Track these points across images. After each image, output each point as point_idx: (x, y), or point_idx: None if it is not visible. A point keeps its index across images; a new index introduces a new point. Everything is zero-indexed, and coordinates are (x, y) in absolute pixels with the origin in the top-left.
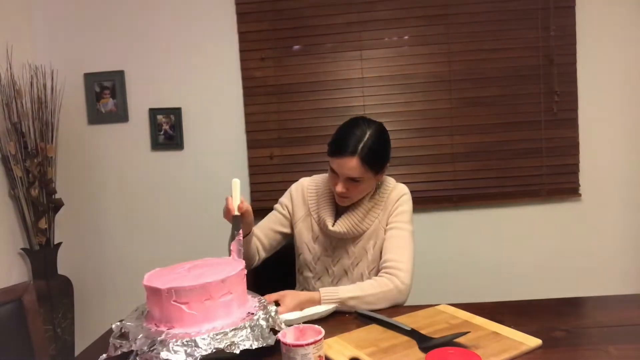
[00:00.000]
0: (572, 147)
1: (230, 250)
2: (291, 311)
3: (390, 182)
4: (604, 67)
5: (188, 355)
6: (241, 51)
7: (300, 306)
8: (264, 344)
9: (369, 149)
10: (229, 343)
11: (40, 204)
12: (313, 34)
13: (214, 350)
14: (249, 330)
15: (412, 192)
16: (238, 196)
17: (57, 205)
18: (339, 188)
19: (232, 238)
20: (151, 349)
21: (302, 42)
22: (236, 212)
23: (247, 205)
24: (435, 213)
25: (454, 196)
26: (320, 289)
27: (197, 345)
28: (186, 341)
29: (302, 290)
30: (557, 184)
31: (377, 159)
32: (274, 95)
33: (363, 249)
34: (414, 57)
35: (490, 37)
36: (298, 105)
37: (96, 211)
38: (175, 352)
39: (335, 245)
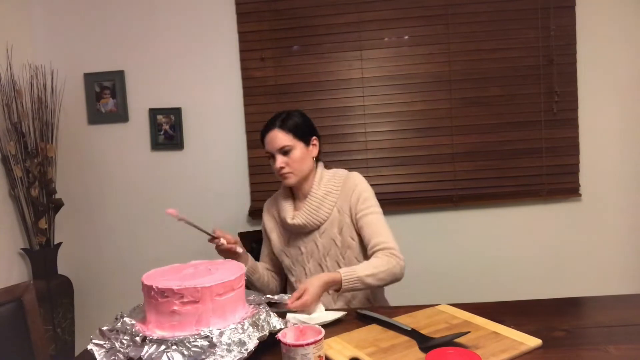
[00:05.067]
0: (572, 147)
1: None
2: (314, 302)
3: (342, 172)
4: (604, 67)
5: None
6: (241, 51)
7: (325, 288)
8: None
9: (290, 120)
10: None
11: (40, 204)
12: (313, 34)
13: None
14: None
15: (412, 192)
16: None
17: (57, 205)
18: (278, 163)
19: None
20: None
21: (302, 42)
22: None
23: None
24: (435, 213)
25: (454, 196)
26: (339, 270)
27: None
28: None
29: (290, 291)
30: (557, 184)
31: (299, 127)
32: (274, 95)
33: (330, 238)
34: (414, 57)
35: (490, 37)
36: (298, 105)
37: (96, 211)
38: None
39: (305, 241)
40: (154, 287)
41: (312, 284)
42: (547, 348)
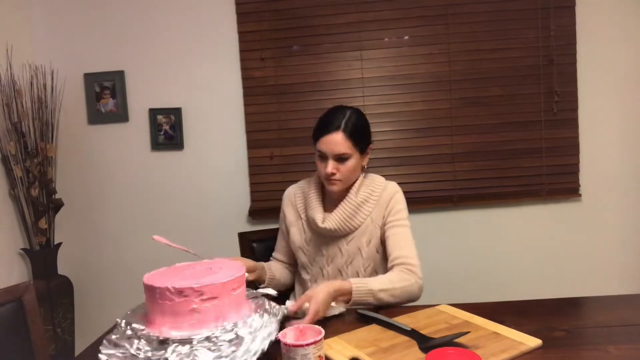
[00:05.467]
0: (572, 147)
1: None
2: (324, 310)
3: (380, 179)
4: (604, 67)
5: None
6: (241, 51)
7: (333, 298)
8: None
9: (353, 124)
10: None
11: (40, 204)
12: (313, 34)
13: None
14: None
15: (412, 192)
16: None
17: (57, 205)
18: (329, 168)
19: None
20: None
21: (302, 42)
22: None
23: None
24: (435, 213)
25: (454, 196)
26: (350, 279)
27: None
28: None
29: (300, 288)
30: (557, 184)
31: (361, 134)
32: (274, 95)
33: (356, 247)
34: (414, 57)
35: (490, 37)
36: (298, 105)
37: (96, 211)
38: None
39: (328, 244)
40: (170, 287)
41: (317, 293)
42: (547, 348)
